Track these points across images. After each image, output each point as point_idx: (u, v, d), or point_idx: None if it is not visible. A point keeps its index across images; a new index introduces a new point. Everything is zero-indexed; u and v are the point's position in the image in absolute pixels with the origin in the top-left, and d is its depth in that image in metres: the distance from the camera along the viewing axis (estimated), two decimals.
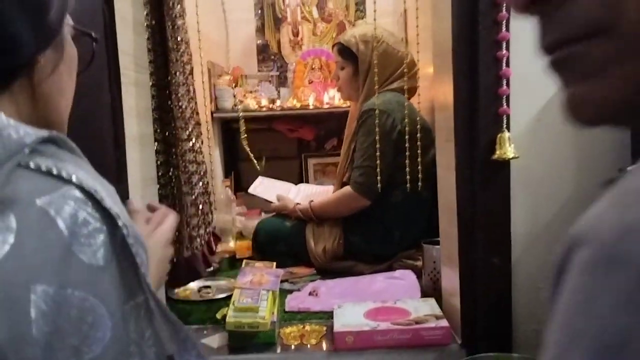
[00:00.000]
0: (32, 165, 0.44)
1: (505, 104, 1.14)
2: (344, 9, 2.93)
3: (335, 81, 2.03)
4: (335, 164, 2.74)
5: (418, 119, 1.72)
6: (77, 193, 0.45)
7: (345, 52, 1.89)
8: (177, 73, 1.34)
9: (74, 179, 0.45)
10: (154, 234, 0.73)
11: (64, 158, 0.47)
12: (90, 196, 0.45)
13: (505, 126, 1.15)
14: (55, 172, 0.44)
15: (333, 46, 2.01)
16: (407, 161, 1.60)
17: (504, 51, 1.13)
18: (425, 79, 1.86)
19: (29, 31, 0.51)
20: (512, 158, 1.14)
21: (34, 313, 0.40)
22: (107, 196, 0.46)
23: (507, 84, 1.14)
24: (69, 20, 0.59)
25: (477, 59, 1.15)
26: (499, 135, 1.14)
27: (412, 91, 1.86)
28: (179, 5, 1.34)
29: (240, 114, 2.06)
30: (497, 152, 1.14)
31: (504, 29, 1.12)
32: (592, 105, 0.31)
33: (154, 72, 1.37)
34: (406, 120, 1.61)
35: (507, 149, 1.13)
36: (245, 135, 2.01)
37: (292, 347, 1.30)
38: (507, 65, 1.14)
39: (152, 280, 0.63)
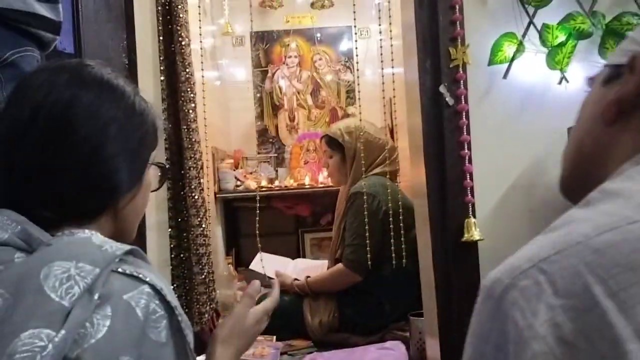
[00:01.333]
0: (120, 270, 0.63)
1: (470, 194, 1.35)
2: (335, 97, 3.22)
3: (325, 168, 2.26)
4: (330, 238, 2.91)
5: (400, 199, 1.92)
6: (150, 290, 0.63)
7: (332, 142, 2.15)
8: (191, 168, 1.56)
9: (148, 280, 0.63)
10: (251, 313, 0.90)
11: (140, 264, 0.66)
12: (157, 292, 0.63)
13: (471, 213, 1.34)
14: (135, 274, 0.63)
15: (321, 139, 2.25)
16: (392, 240, 1.79)
17: (466, 150, 1.35)
18: (406, 160, 2.09)
19: (126, 178, 0.70)
20: (478, 240, 1.33)
21: None
22: (169, 292, 0.65)
23: (471, 178, 1.35)
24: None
25: (444, 156, 1.37)
26: (466, 220, 1.34)
27: (394, 174, 2.10)
28: (193, 113, 1.57)
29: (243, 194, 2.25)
30: (465, 235, 1.34)
31: (465, 132, 1.35)
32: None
33: (170, 167, 1.59)
34: (389, 204, 1.82)
35: (474, 232, 1.33)
36: (256, 211, 2.19)
37: None
38: (470, 162, 1.35)
39: (234, 358, 0.84)
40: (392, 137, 2.81)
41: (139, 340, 0.60)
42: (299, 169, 3.03)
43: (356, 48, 2.08)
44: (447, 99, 1.36)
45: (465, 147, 1.35)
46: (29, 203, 0.67)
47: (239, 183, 2.87)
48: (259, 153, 3.19)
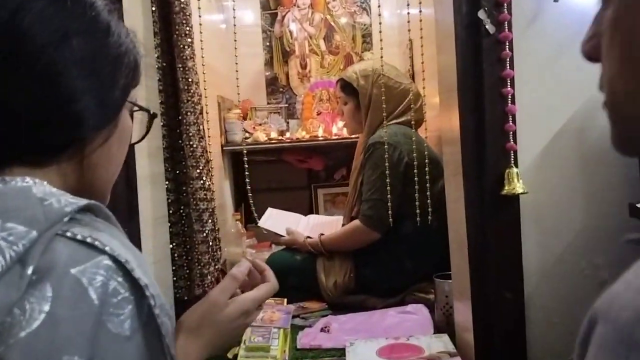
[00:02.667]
0: (69, 234, 0.45)
1: (512, 139, 1.15)
2: (350, 42, 2.98)
3: (340, 116, 2.06)
4: (344, 193, 2.74)
5: (426, 150, 1.73)
6: (110, 262, 0.46)
7: (347, 87, 1.93)
8: (188, 113, 1.37)
9: (107, 249, 0.46)
10: (232, 302, 0.72)
11: (99, 227, 0.48)
12: (121, 266, 0.46)
13: (513, 162, 1.15)
14: (89, 241, 0.46)
15: (336, 83, 2.04)
16: (416, 194, 1.61)
17: (509, 88, 1.14)
18: (432, 109, 1.87)
19: (95, 108, 0.53)
20: (522, 193, 1.14)
21: None
22: (138, 266, 0.47)
23: (514, 121, 1.15)
24: (131, 95, 0.61)
25: (482, 95, 1.16)
26: (507, 171, 1.15)
27: (419, 123, 1.89)
28: (189, 48, 1.37)
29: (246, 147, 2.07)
30: (506, 187, 1.14)
31: (508, 66, 1.14)
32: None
33: (165, 112, 1.40)
34: (414, 152, 1.62)
35: (516, 185, 1.14)
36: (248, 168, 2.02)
37: None
38: (513, 102, 1.15)
39: (202, 350, 0.66)
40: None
41: (92, 333, 0.43)
42: (312, 120, 2.82)
43: None
44: (487, 27, 1.14)
45: (508, 83, 1.14)
46: None
47: (247, 135, 2.68)
48: (268, 103, 2.99)
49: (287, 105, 2.98)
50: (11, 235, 0.43)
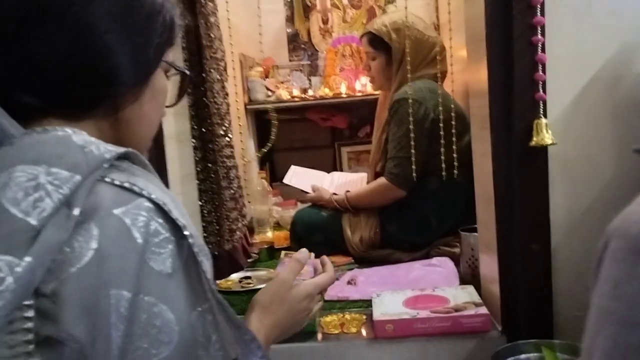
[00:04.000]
0: (108, 179, 0.47)
1: (541, 89, 1.12)
2: None
3: (367, 71, 2.01)
4: (368, 151, 2.72)
5: (451, 105, 1.70)
6: (150, 204, 0.48)
7: (377, 41, 1.86)
8: (212, 70, 1.37)
9: (145, 192, 0.48)
10: (298, 285, 0.79)
11: (136, 173, 0.50)
12: (159, 208, 0.48)
13: (542, 112, 1.13)
14: (127, 186, 0.48)
15: (362, 36, 1.98)
16: (442, 149, 1.59)
17: (539, 36, 1.11)
18: (459, 63, 1.84)
19: (128, 65, 0.54)
20: (550, 144, 1.12)
21: (114, 316, 0.44)
22: (175, 208, 0.49)
23: (543, 70, 1.12)
24: (166, 55, 0.61)
25: (511, 44, 1.13)
26: (535, 122, 1.13)
27: (444, 76, 1.85)
28: (211, 3, 1.36)
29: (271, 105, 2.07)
30: (535, 138, 1.13)
31: (538, 13, 1.10)
32: None
33: (189, 69, 1.40)
34: (440, 107, 1.60)
35: (545, 135, 1.12)
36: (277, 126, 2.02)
37: (333, 335, 1.32)
38: (543, 50, 1.11)
39: (272, 329, 0.72)
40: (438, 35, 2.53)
41: (137, 270, 0.45)
42: (334, 76, 2.79)
43: None
44: None
45: (539, 31, 1.11)
46: (5, 84, 0.51)
47: (269, 93, 2.68)
48: (290, 60, 2.96)
49: (309, 62, 2.94)
50: (57, 179, 0.45)
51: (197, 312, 0.49)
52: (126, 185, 0.48)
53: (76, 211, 0.44)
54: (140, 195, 0.48)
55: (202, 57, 1.39)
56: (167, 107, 0.66)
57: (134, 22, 0.55)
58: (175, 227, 0.49)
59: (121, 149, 0.50)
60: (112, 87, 0.55)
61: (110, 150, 0.49)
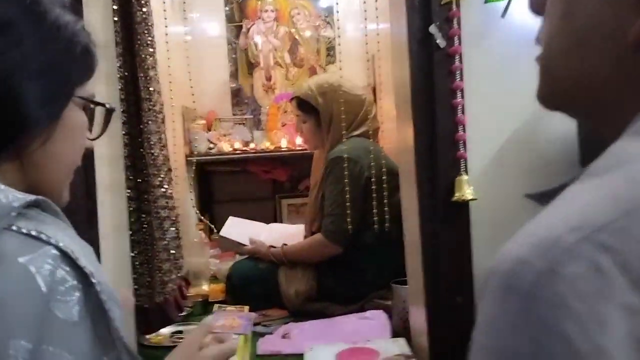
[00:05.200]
0: (14, 227, 0.47)
1: (462, 148, 1.21)
2: (315, 54, 3.03)
3: (300, 133, 2.06)
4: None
5: (383, 162, 1.77)
6: (56, 252, 0.47)
7: (305, 105, 1.91)
8: (150, 122, 1.38)
9: (52, 240, 0.48)
10: (204, 350, 0.80)
11: (45, 221, 0.50)
12: (66, 256, 0.48)
13: (463, 169, 1.20)
14: (34, 234, 0.47)
15: (291, 100, 2.03)
16: (374, 205, 1.65)
17: (459, 99, 1.20)
18: (391, 121, 1.93)
19: (36, 106, 0.52)
20: (471, 200, 1.19)
21: None
22: (83, 255, 0.49)
23: (464, 130, 1.21)
24: (83, 89, 0.59)
25: (434, 107, 1.22)
26: (457, 178, 1.20)
27: (375, 132, 1.94)
28: (151, 58, 1.39)
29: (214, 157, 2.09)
30: (456, 194, 1.20)
31: (458, 78, 1.20)
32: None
33: (126, 120, 1.41)
34: (373, 164, 1.67)
35: (466, 191, 1.19)
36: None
37: None
38: (463, 112, 1.20)
39: None
40: (374, 97, 2.66)
41: (40, 319, 0.44)
42: (276, 131, 2.85)
43: (337, 3, 1.87)
44: (438, 41, 1.20)
45: (458, 95, 1.20)
46: None
47: (211, 146, 2.70)
48: (234, 114, 3.00)
49: (252, 116, 3.00)
50: None
51: None
52: (33, 233, 0.47)
53: None
54: (48, 243, 0.48)
55: (140, 108, 1.40)
56: (91, 139, 0.64)
57: (42, 60, 0.53)
58: (82, 275, 0.48)
59: (30, 197, 0.49)
60: (15, 130, 0.52)
61: (19, 198, 0.48)
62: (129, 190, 1.42)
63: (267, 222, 2.46)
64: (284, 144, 2.69)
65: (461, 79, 1.20)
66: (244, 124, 2.95)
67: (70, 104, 0.58)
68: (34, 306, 0.45)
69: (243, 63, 3.01)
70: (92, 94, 0.62)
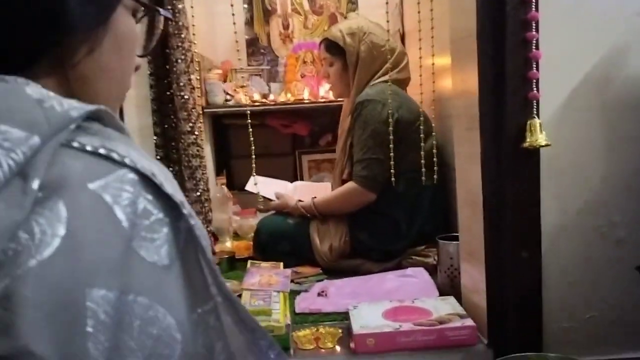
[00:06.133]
0: (76, 144, 0.36)
1: (535, 88, 1.08)
2: (335, 1, 2.86)
3: (326, 79, 1.97)
4: (330, 160, 2.66)
5: (413, 106, 1.68)
6: (134, 176, 0.36)
7: (333, 47, 1.84)
8: (179, 60, 1.26)
9: (127, 161, 0.36)
10: None
11: (112, 136, 0.38)
12: (148, 180, 0.37)
13: (535, 112, 1.08)
14: (103, 152, 0.36)
15: (320, 43, 1.95)
16: (408, 151, 1.54)
17: (534, 32, 1.06)
18: (426, 71, 1.80)
19: (72, 6, 0.42)
20: (545, 145, 1.07)
21: (91, 325, 0.32)
22: (166, 180, 0.37)
23: (537, 68, 1.08)
24: None
25: (504, 40, 1.08)
26: (529, 122, 1.08)
27: (406, 82, 1.86)
28: None
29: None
30: (528, 139, 1.08)
31: (533, 8, 1.06)
32: None
33: (152, 59, 1.28)
34: (403, 108, 1.59)
35: (539, 136, 1.07)
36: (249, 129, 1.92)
37: (308, 351, 1.22)
38: (537, 47, 1.07)
39: None
40: (402, 44, 2.50)
41: (123, 262, 0.33)
42: (296, 82, 2.70)
43: None
44: None
45: (533, 27, 1.06)
46: None
47: (228, 97, 2.55)
48: (249, 65, 2.85)
49: (269, 67, 2.85)
50: (7, 140, 0.33)
51: (198, 314, 0.38)
52: (102, 151, 0.36)
53: (35, 184, 0.32)
54: (122, 164, 0.37)
55: (166, 45, 1.27)
56: (139, 56, 0.54)
57: None
58: (169, 205, 0.38)
59: (91, 107, 0.38)
60: (57, 32, 0.43)
61: (77, 107, 0.37)
62: (155, 137, 1.30)
63: (287, 177, 2.36)
64: (305, 95, 2.55)
65: (537, 9, 1.06)
66: (260, 75, 2.80)
67: (119, 8, 0.48)
68: (115, 246, 0.34)
69: (259, 9, 2.84)
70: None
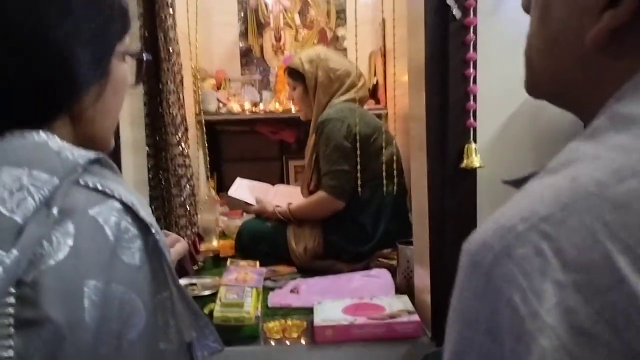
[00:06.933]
0: (82, 182, 0.53)
1: (472, 117, 1.25)
2: (325, 17, 3.03)
3: (292, 101, 2.22)
4: None
5: (370, 121, 1.89)
6: (119, 205, 0.54)
7: (294, 73, 2.07)
8: (169, 82, 1.43)
9: (115, 194, 0.54)
10: None
11: (106, 176, 0.56)
12: (128, 208, 0.54)
13: (472, 138, 1.26)
14: (100, 188, 0.53)
15: (284, 71, 2.17)
16: (368, 162, 1.73)
17: (471, 70, 1.24)
18: (401, 88, 1.97)
19: (87, 67, 0.58)
20: (478, 167, 1.25)
21: (87, 303, 0.49)
22: (141, 208, 0.55)
23: (474, 100, 1.25)
24: (122, 43, 0.63)
25: (447, 76, 1.26)
26: (466, 146, 1.25)
27: (363, 101, 2.08)
28: (171, 19, 1.42)
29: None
30: (465, 161, 1.25)
31: (471, 49, 1.23)
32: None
33: (146, 80, 1.45)
34: (359, 123, 1.79)
35: (474, 159, 1.25)
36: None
37: (275, 340, 1.39)
38: (474, 82, 1.25)
39: None
40: (384, 61, 2.68)
41: (109, 263, 0.51)
42: (285, 92, 2.87)
43: None
44: (453, 12, 1.23)
45: (471, 65, 1.24)
46: None
47: (221, 105, 2.73)
48: (242, 74, 3.03)
49: (261, 77, 3.02)
50: (38, 181, 0.50)
51: (158, 299, 0.56)
52: (99, 187, 0.54)
53: (55, 210, 0.50)
54: (112, 196, 0.54)
55: (159, 68, 1.44)
56: (130, 87, 0.69)
57: (88, 26, 0.58)
58: (142, 225, 0.55)
59: (92, 154, 0.55)
60: (74, 91, 0.58)
61: (83, 155, 0.54)
62: (147, 148, 1.48)
63: (275, 181, 2.53)
64: (292, 105, 2.72)
65: (474, 50, 1.24)
66: (252, 84, 2.98)
67: (113, 60, 0.63)
68: (104, 252, 0.51)
69: (253, 22, 3.01)
70: (129, 47, 0.66)
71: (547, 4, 0.44)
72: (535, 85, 0.50)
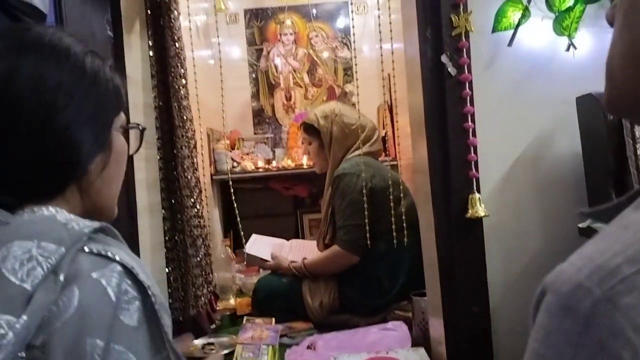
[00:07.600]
0: (86, 249, 0.58)
1: (474, 168, 1.29)
2: (332, 75, 3.15)
3: (307, 156, 2.25)
4: None
5: (385, 174, 1.89)
6: (120, 268, 0.58)
7: (310, 129, 2.14)
8: (183, 147, 1.50)
9: (117, 258, 0.58)
10: None
11: (109, 243, 0.61)
12: (129, 271, 0.58)
13: (475, 188, 1.29)
14: (103, 253, 0.58)
15: (299, 127, 2.21)
16: (383, 215, 1.74)
17: (470, 123, 1.29)
18: (406, 138, 2.03)
19: (86, 143, 0.64)
20: (483, 216, 1.28)
21: (89, 358, 0.53)
22: (141, 272, 0.59)
23: (475, 151, 1.29)
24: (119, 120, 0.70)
25: (446, 129, 1.31)
26: (470, 196, 1.29)
27: (378, 154, 2.12)
28: (183, 89, 1.51)
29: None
30: (470, 211, 1.28)
31: (468, 104, 1.29)
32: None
33: (161, 147, 1.53)
34: (374, 180, 1.84)
35: (479, 208, 1.28)
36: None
37: None
38: (474, 135, 1.29)
39: None
40: (391, 114, 2.75)
41: (110, 323, 0.55)
42: (297, 148, 2.96)
43: (353, 26, 1.99)
44: (449, 70, 1.29)
45: (469, 119, 1.29)
46: None
47: (235, 164, 2.81)
48: (255, 133, 3.13)
49: (273, 135, 3.12)
50: (46, 251, 0.55)
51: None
52: (102, 253, 0.58)
53: (62, 277, 0.55)
54: (114, 260, 0.58)
55: (173, 135, 1.52)
56: (130, 155, 0.75)
57: (87, 109, 0.64)
58: (141, 288, 0.59)
59: (96, 224, 0.60)
60: (80, 165, 0.64)
61: (88, 225, 0.59)
62: (163, 211, 1.54)
63: (290, 236, 2.56)
64: (304, 161, 2.80)
65: (471, 105, 1.29)
66: (265, 142, 3.07)
67: (112, 132, 0.70)
68: (106, 312, 0.55)
69: (264, 84, 3.14)
70: (123, 120, 0.73)
71: (633, 9, 0.40)
72: (617, 99, 0.44)
